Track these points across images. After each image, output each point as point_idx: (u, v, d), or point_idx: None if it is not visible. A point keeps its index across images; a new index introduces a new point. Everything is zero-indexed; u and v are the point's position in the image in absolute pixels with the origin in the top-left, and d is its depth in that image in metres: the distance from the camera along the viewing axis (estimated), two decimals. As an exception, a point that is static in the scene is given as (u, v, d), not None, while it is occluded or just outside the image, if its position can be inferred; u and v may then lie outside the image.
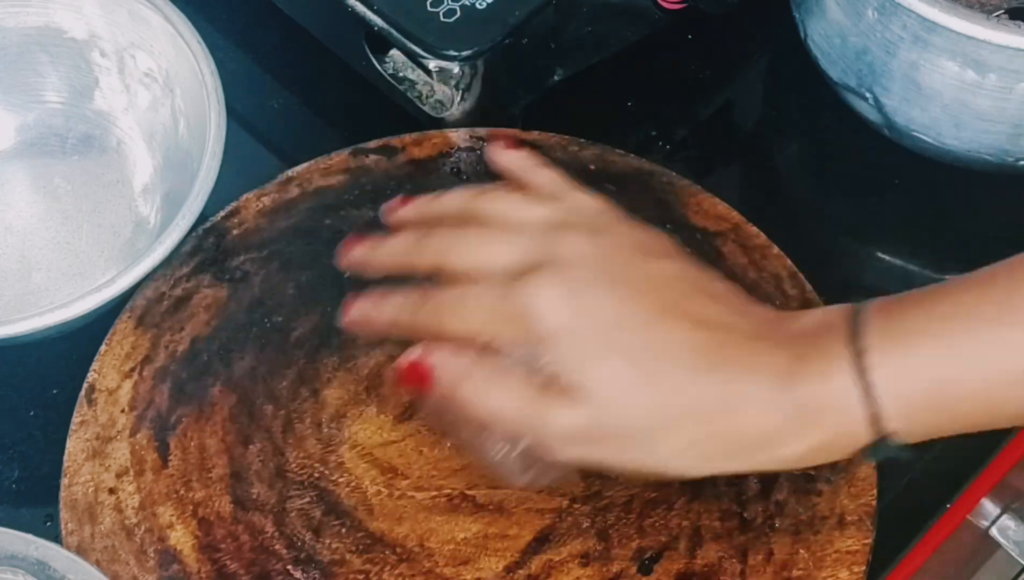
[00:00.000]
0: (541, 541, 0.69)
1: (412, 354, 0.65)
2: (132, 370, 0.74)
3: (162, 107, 0.82)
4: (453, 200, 0.69)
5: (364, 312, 0.68)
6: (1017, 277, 0.60)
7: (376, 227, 0.78)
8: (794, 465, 0.64)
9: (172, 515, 0.70)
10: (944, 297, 0.61)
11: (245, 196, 0.79)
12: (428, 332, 0.65)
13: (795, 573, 0.68)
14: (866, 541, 0.68)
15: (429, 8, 0.78)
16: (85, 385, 0.73)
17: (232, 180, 0.78)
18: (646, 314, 0.62)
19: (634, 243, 0.65)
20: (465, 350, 0.64)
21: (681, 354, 0.61)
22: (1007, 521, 0.76)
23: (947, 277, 0.63)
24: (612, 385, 0.61)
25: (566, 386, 0.62)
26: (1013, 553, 0.76)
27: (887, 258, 0.84)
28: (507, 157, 0.70)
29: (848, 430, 0.60)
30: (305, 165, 0.80)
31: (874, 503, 0.69)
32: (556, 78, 0.84)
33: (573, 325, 0.62)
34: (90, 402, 0.73)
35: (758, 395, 0.61)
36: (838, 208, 0.86)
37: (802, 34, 0.83)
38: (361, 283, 0.76)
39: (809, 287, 0.75)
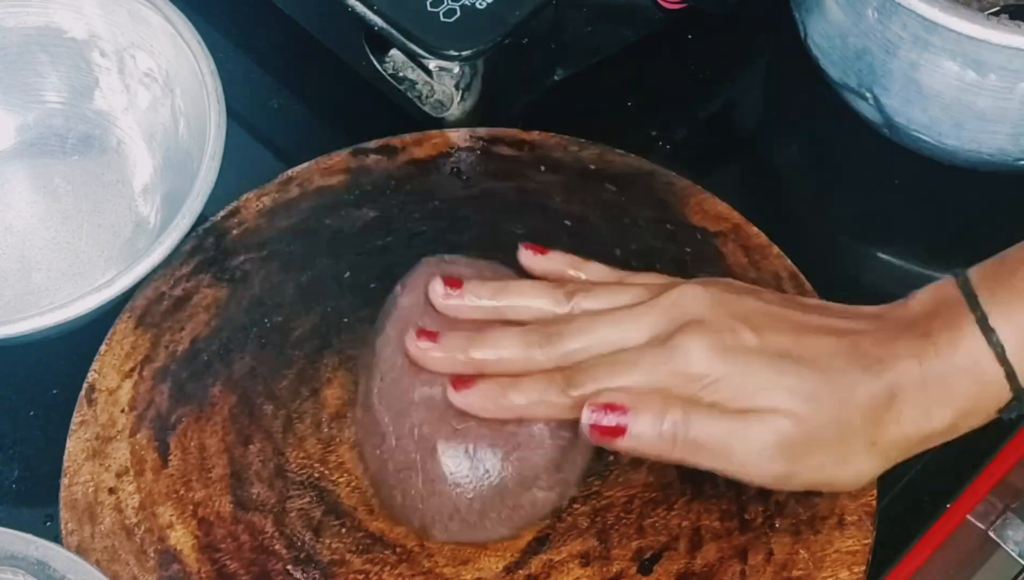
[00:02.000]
0: (541, 541, 0.69)
1: (600, 418, 0.65)
2: (132, 370, 0.74)
3: (162, 107, 0.82)
4: (523, 294, 0.69)
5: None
6: None
7: (375, 228, 0.78)
8: (947, 437, 0.66)
9: (172, 515, 0.70)
10: None
11: (245, 196, 0.79)
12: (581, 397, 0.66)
13: (795, 573, 0.68)
14: (866, 541, 0.68)
15: (429, 8, 0.78)
16: (85, 385, 0.73)
17: (232, 180, 0.78)
18: (789, 338, 0.65)
19: (725, 284, 0.68)
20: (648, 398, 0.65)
21: (838, 361, 0.64)
22: (1007, 521, 0.76)
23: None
24: (798, 397, 0.64)
25: (753, 408, 0.64)
26: (1013, 553, 0.76)
27: (887, 258, 0.84)
28: (546, 262, 0.71)
29: (988, 392, 0.64)
30: (305, 165, 0.80)
31: (874, 503, 0.69)
32: (556, 78, 0.85)
33: (733, 363, 0.64)
34: (90, 402, 0.73)
35: (907, 380, 0.64)
36: (838, 208, 0.86)
37: (802, 34, 0.83)
38: (362, 283, 0.76)
39: (809, 287, 0.75)
